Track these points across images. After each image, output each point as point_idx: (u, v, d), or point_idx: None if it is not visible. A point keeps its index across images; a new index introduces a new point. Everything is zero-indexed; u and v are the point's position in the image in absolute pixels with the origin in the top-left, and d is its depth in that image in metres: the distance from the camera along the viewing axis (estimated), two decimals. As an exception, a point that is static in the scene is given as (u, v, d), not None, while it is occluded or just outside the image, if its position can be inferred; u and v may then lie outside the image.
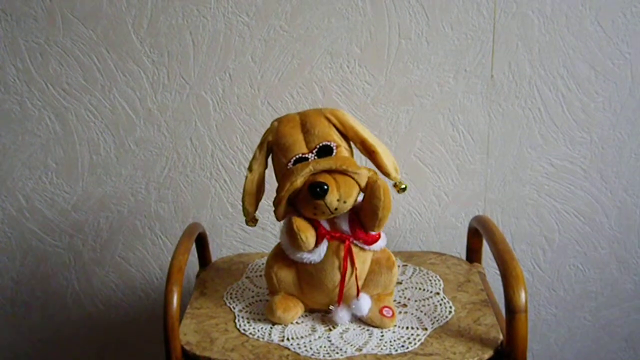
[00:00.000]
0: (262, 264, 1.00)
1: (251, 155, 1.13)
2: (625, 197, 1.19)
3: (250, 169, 0.83)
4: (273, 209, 0.81)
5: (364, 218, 0.79)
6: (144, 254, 1.23)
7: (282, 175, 0.79)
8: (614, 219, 1.20)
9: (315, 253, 0.80)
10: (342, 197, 0.76)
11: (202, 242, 1.00)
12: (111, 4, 1.08)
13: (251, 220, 0.86)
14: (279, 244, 0.85)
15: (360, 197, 0.80)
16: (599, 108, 1.13)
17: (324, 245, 0.80)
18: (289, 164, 0.78)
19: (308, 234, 0.78)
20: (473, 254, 1.00)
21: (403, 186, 0.81)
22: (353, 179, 0.77)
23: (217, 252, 1.21)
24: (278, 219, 0.81)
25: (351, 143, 0.83)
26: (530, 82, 1.11)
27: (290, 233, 0.79)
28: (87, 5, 1.08)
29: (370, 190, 0.77)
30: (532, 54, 1.10)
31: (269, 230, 1.21)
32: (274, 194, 0.80)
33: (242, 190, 0.84)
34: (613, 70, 1.11)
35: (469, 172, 1.17)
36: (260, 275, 0.97)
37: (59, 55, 1.11)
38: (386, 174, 0.81)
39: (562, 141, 1.15)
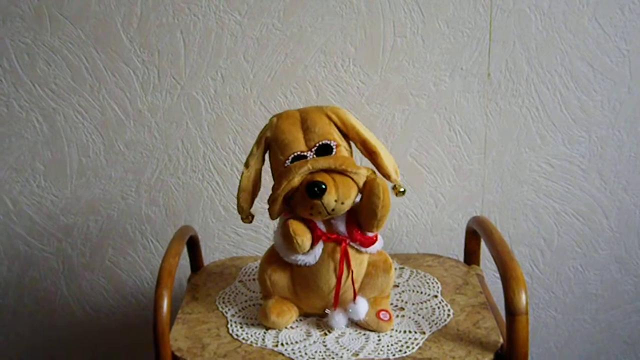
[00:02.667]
0: (256, 267, 0.99)
1: (244, 157, 1.13)
2: (625, 197, 1.18)
3: (246, 165, 0.81)
4: (267, 207, 0.79)
5: (362, 218, 0.77)
6: (134, 258, 1.22)
7: (279, 173, 0.78)
8: (614, 220, 1.19)
9: (310, 255, 0.78)
10: (340, 197, 0.74)
11: (193, 246, 0.99)
12: (100, 2, 1.06)
13: (246, 218, 0.83)
14: (272, 246, 0.83)
15: (358, 198, 0.78)
16: (598, 106, 1.12)
17: (319, 247, 0.78)
18: (287, 161, 0.77)
19: (304, 238, 0.76)
20: (471, 256, 0.99)
21: (402, 189, 0.79)
22: (352, 179, 0.76)
23: (210, 256, 1.20)
24: (272, 218, 0.80)
25: (351, 143, 0.81)
26: (528, 81, 1.10)
27: (285, 236, 0.77)
28: (76, 3, 1.06)
29: (369, 188, 0.75)
30: (529, 52, 1.09)
31: (262, 234, 1.20)
32: (269, 193, 0.78)
33: (237, 187, 0.81)
34: (611, 68, 1.10)
35: (466, 172, 1.16)
36: (254, 279, 0.96)
37: (47, 55, 1.09)
38: (386, 176, 0.79)
39: (560, 140, 1.14)
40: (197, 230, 0.97)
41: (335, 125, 0.79)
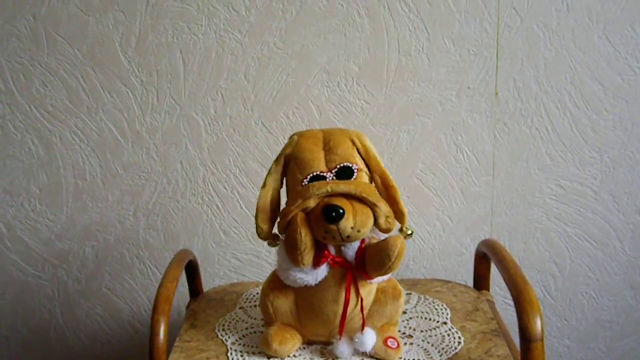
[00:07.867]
0: (257, 293, 0.96)
1: (245, 179, 1.11)
2: (638, 219, 1.15)
3: (264, 184, 0.78)
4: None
5: (369, 264, 0.74)
6: (132, 285, 1.19)
7: (295, 192, 0.75)
8: (628, 243, 1.16)
9: (311, 274, 0.74)
10: (357, 225, 0.71)
11: (192, 271, 0.96)
12: (98, 22, 1.05)
13: (270, 239, 0.79)
14: (274, 270, 0.81)
15: (374, 233, 0.75)
16: (609, 126, 1.10)
17: (323, 269, 0.75)
18: (305, 180, 0.74)
19: (308, 240, 0.72)
20: (481, 281, 0.96)
21: (410, 232, 0.76)
22: (371, 209, 0.73)
23: (210, 282, 1.17)
24: (279, 232, 0.77)
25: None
26: (537, 100, 1.08)
27: (289, 234, 0.73)
28: (73, 23, 1.05)
29: (386, 244, 0.72)
30: (537, 70, 1.07)
31: (263, 259, 1.16)
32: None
33: (255, 208, 0.78)
34: (623, 86, 1.08)
35: (474, 195, 1.13)
36: (255, 306, 0.93)
37: (43, 75, 1.08)
38: (399, 213, 0.76)
39: (571, 161, 1.12)
40: (196, 256, 0.95)
41: (358, 150, 0.77)
